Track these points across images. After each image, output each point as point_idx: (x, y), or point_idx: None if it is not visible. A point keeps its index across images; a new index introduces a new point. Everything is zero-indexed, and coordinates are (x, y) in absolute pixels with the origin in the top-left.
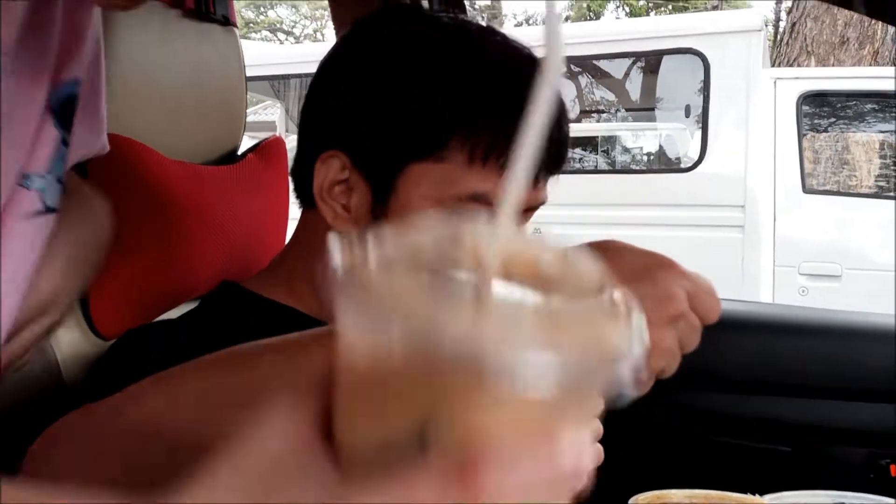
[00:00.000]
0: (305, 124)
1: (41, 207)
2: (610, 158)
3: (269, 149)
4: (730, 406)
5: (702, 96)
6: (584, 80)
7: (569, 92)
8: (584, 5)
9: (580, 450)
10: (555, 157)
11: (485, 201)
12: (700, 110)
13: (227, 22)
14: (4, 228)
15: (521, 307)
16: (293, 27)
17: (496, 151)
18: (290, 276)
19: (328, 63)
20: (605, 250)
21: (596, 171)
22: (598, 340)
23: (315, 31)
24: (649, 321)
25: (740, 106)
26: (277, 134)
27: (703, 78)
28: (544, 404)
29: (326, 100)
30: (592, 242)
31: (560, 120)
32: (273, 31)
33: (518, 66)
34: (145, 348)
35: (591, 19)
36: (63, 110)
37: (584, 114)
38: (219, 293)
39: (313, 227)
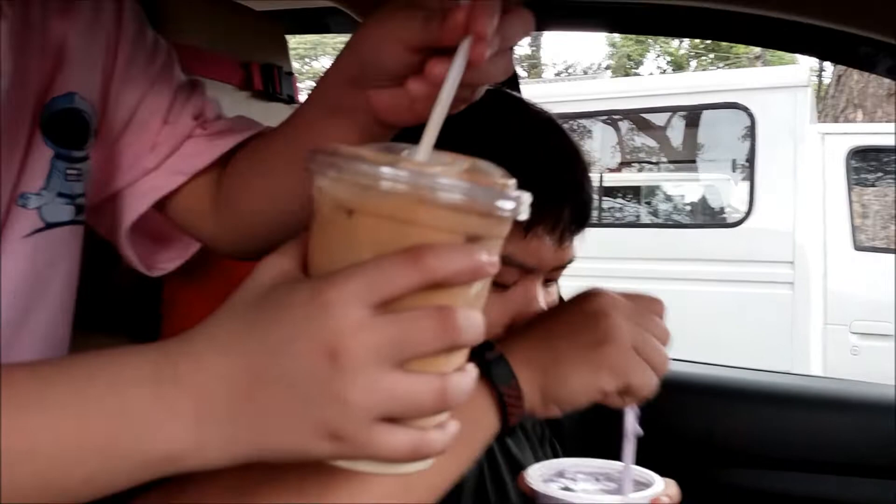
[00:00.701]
0: None
1: (40, 224)
2: (652, 208)
3: None
4: (768, 483)
5: (747, 149)
6: (624, 126)
7: (609, 139)
8: (625, 54)
9: (473, 324)
10: (579, 216)
11: (511, 262)
12: (744, 162)
13: (291, 101)
14: (6, 246)
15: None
16: None
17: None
18: None
19: None
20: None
21: (639, 224)
22: (488, 180)
23: None
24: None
25: (787, 160)
26: None
27: (748, 131)
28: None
29: None
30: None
31: (583, 179)
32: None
33: (535, 128)
34: None
35: (631, 67)
36: (55, 126)
37: (625, 164)
38: None
39: None
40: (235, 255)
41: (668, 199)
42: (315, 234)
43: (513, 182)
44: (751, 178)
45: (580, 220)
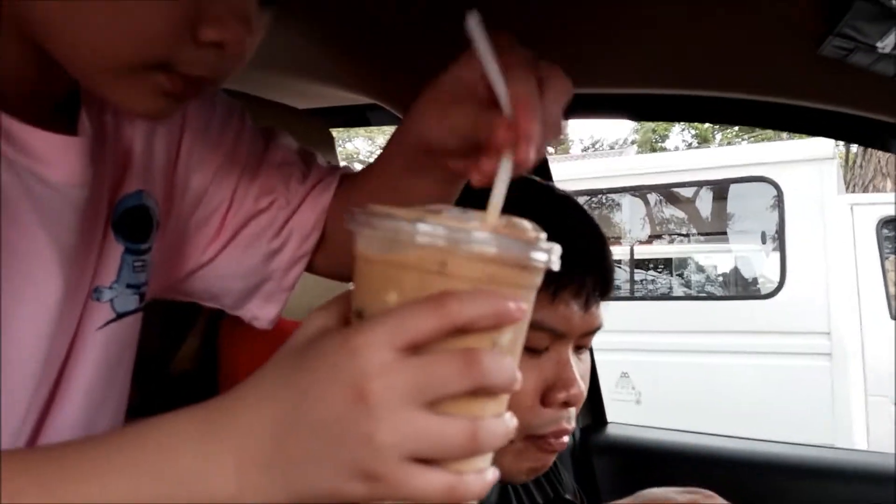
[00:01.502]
0: None
1: (112, 315)
2: (685, 280)
3: None
4: None
5: (776, 219)
6: (652, 198)
7: (638, 211)
8: (650, 128)
9: (502, 367)
10: (603, 283)
11: (542, 327)
12: (774, 233)
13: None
14: (79, 342)
15: (468, 219)
16: (369, 157)
17: (545, 282)
18: None
19: None
20: (649, 498)
21: (672, 297)
22: (519, 233)
23: None
24: None
25: (817, 231)
26: None
27: (776, 202)
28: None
29: None
30: (639, 493)
31: (603, 251)
32: (350, 161)
33: (555, 203)
34: None
35: (657, 141)
36: (125, 222)
37: (655, 236)
38: None
39: None
40: (332, 276)
41: (700, 269)
42: (356, 285)
43: (544, 235)
44: (782, 249)
45: (603, 287)
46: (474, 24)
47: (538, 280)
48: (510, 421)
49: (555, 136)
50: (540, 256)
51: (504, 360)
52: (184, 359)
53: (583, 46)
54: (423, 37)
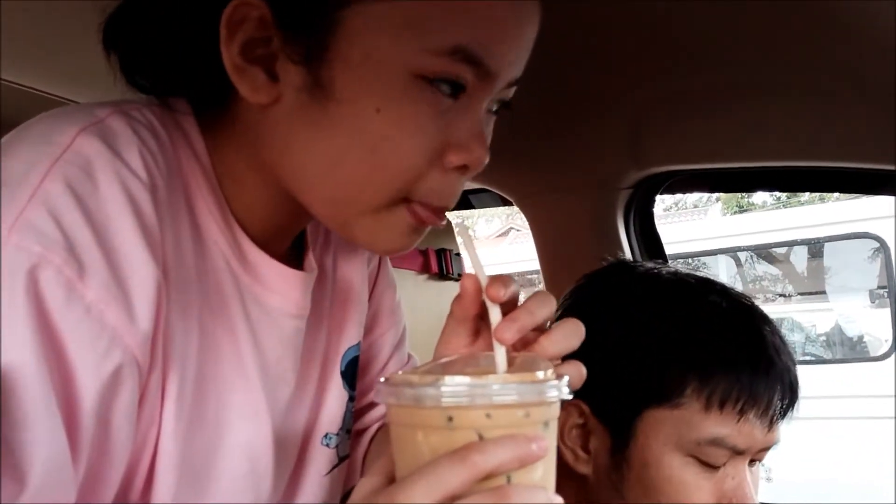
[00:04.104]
0: None
1: (336, 461)
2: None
3: None
4: None
5: (876, 273)
6: (744, 255)
7: (730, 269)
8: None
9: (531, 498)
10: (790, 401)
11: (724, 445)
12: (876, 288)
13: (461, 279)
14: (306, 486)
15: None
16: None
17: (732, 397)
18: None
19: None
20: None
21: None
22: (531, 373)
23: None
24: None
25: None
26: None
27: (875, 254)
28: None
29: None
30: None
31: (790, 365)
32: None
33: (742, 315)
34: None
35: (743, 197)
36: (350, 372)
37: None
38: None
39: None
40: None
41: (800, 328)
42: (393, 448)
43: (552, 370)
44: (893, 306)
45: (790, 403)
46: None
47: (556, 411)
48: None
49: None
50: (551, 393)
51: (536, 492)
52: None
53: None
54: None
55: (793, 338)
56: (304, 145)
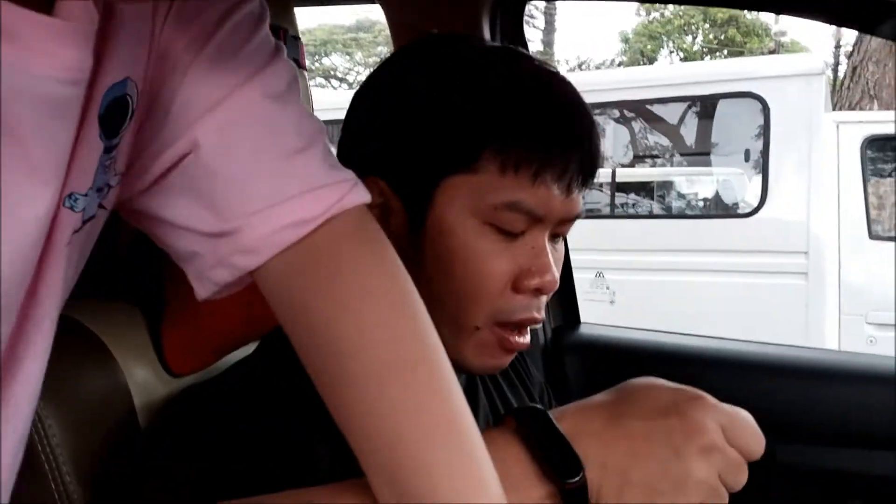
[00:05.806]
0: (341, 154)
1: (79, 225)
2: (665, 204)
3: None
4: (801, 457)
5: (760, 140)
6: (637, 125)
7: (622, 137)
8: (638, 49)
9: None
10: (588, 165)
11: (520, 209)
12: (758, 154)
13: (297, 64)
14: (49, 257)
15: None
16: (346, 74)
17: (527, 160)
18: None
19: (362, 91)
20: (633, 389)
21: (651, 215)
22: None
23: None
24: (679, 453)
25: (802, 150)
26: None
27: (762, 122)
28: None
29: (360, 126)
30: (623, 383)
31: (590, 130)
32: (327, 77)
33: (547, 82)
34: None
35: (644, 63)
36: (110, 117)
37: (638, 159)
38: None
39: None
40: None
41: (682, 196)
42: None
43: None
44: (764, 167)
45: (588, 170)
46: None
47: None
48: None
49: None
50: None
51: None
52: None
53: None
54: None
55: (676, 203)
56: None
